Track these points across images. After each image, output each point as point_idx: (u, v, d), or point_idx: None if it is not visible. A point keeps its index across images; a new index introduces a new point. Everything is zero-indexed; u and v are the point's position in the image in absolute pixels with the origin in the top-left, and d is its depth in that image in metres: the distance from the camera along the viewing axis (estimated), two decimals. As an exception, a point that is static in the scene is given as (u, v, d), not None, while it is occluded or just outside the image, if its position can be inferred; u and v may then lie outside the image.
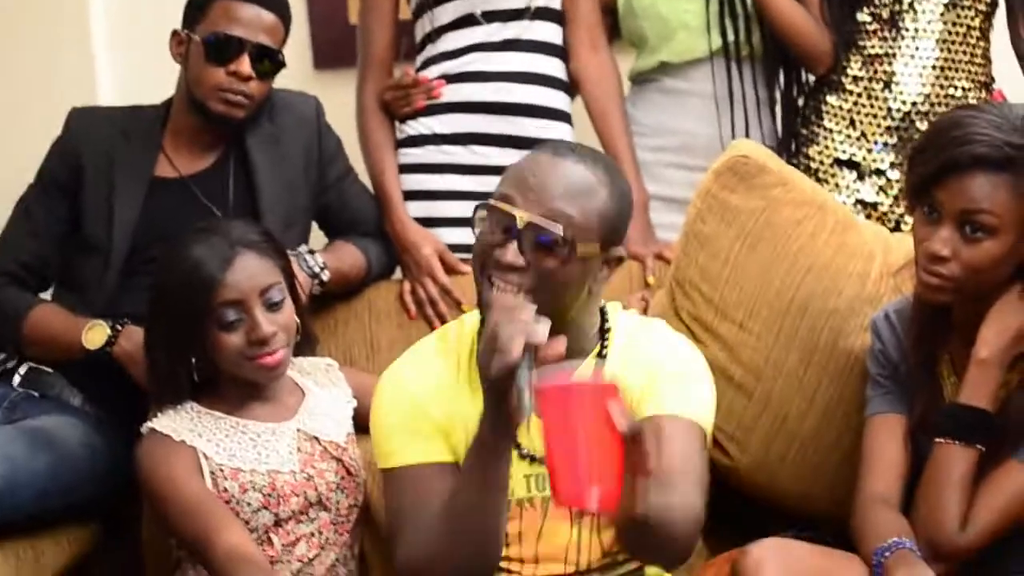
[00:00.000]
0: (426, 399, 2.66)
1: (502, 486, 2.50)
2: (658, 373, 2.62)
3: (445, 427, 2.65)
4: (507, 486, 2.52)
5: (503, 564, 2.66)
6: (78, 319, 3.20)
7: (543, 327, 2.31)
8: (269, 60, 3.29)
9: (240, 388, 2.93)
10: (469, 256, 3.37)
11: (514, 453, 2.57)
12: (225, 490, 2.83)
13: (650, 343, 2.69)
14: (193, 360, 2.90)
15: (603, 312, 2.70)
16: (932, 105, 3.51)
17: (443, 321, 3.37)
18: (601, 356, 2.65)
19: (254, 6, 3.29)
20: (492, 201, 2.53)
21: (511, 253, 2.50)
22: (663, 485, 2.33)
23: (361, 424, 2.99)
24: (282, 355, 2.89)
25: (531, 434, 2.58)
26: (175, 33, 3.34)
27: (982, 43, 3.56)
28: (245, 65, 3.25)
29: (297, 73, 3.91)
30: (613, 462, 2.13)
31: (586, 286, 2.57)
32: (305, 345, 3.04)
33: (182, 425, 2.89)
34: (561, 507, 2.25)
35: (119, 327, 3.16)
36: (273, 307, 2.88)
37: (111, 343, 3.15)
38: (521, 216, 2.49)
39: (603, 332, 2.68)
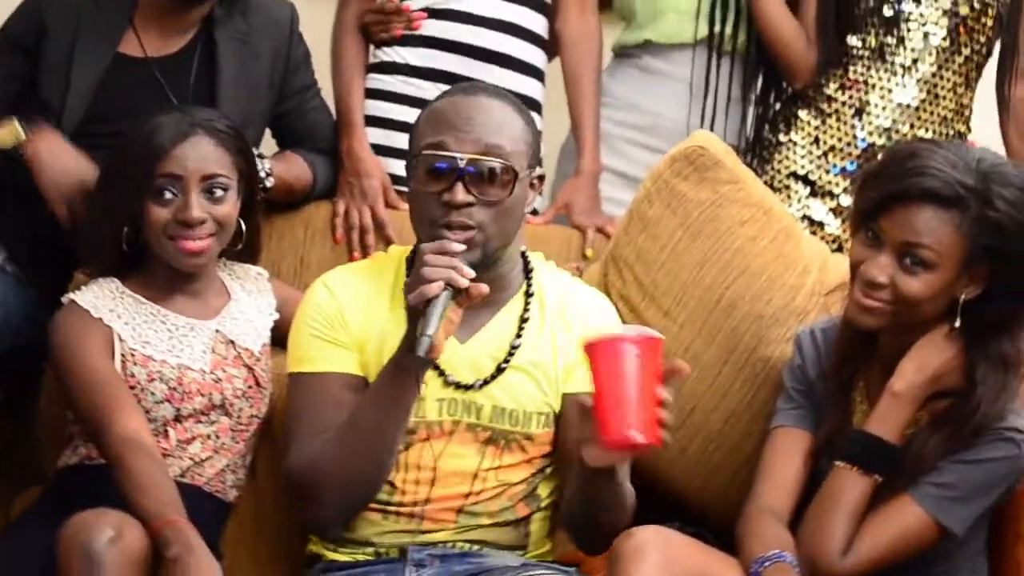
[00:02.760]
0: (349, 311, 2.77)
1: (406, 408, 2.64)
2: None
3: (360, 341, 2.76)
4: (410, 411, 2.65)
5: (398, 485, 2.74)
6: None
7: (467, 270, 2.54)
8: None
9: (167, 276, 2.92)
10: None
11: (436, 377, 2.72)
12: (132, 375, 2.83)
13: (584, 304, 2.87)
14: (125, 230, 2.89)
15: (523, 255, 2.85)
16: (900, 142, 3.49)
17: (366, 253, 3.35)
18: (528, 294, 2.82)
19: None
20: (427, 150, 2.68)
21: (460, 192, 2.65)
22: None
23: (278, 337, 2.99)
24: (205, 244, 2.88)
25: (453, 361, 2.73)
26: None
27: (967, 92, 3.57)
28: None
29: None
30: (653, 404, 2.41)
31: (524, 210, 2.77)
32: (246, 254, 3.05)
33: (103, 303, 2.88)
34: (608, 447, 2.43)
35: (32, 130, 3.09)
36: (213, 197, 2.88)
37: (22, 146, 3.08)
38: (462, 156, 2.65)
39: (527, 272, 2.84)
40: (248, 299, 3.02)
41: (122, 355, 2.84)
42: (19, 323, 3.15)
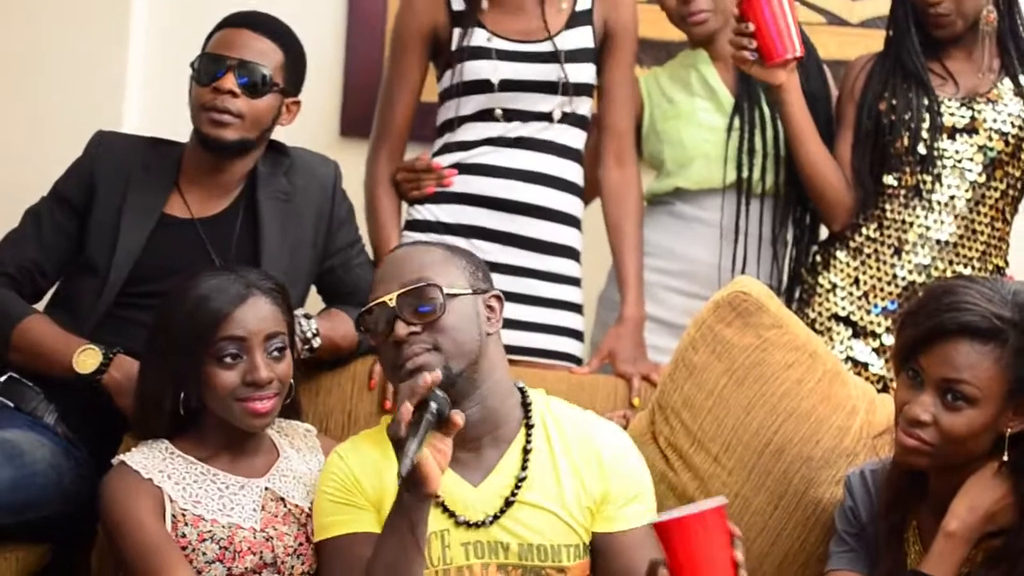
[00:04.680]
0: (360, 474, 2.81)
1: (416, 547, 2.63)
2: (618, 488, 2.81)
3: (376, 501, 2.78)
4: (421, 549, 2.64)
5: None
6: (71, 339, 3.20)
7: (431, 380, 2.58)
8: (256, 78, 3.30)
9: (220, 436, 2.93)
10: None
11: (450, 522, 2.77)
12: (183, 535, 2.83)
13: (601, 434, 2.88)
14: (182, 395, 2.91)
15: (522, 390, 2.90)
16: (939, 279, 3.50)
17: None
18: (528, 427, 2.85)
19: (245, 30, 3.33)
20: (364, 310, 2.82)
21: (401, 327, 2.76)
22: None
23: (328, 494, 3.00)
24: (272, 404, 2.90)
25: (467, 503, 2.77)
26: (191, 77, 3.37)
27: (1003, 226, 3.59)
28: (228, 81, 3.26)
29: (323, 137, 3.96)
30: (730, 571, 2.48)
31: (479, 328, 2.81)
32: (290, 409, 3.05)
33: (153, 464, 2.88)
34: None
35: (111, 355, 3.16)
36: (274, 356, 2.90)
37: (102, 370, 3.15)
38: (388, 297, 2.77)
39: (525, 407, 2.88)
40: (297, 456, 3.02)
41: (173, 515, 2.84)
42: (70, 485, 3.16)
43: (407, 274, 2.80)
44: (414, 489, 2.56)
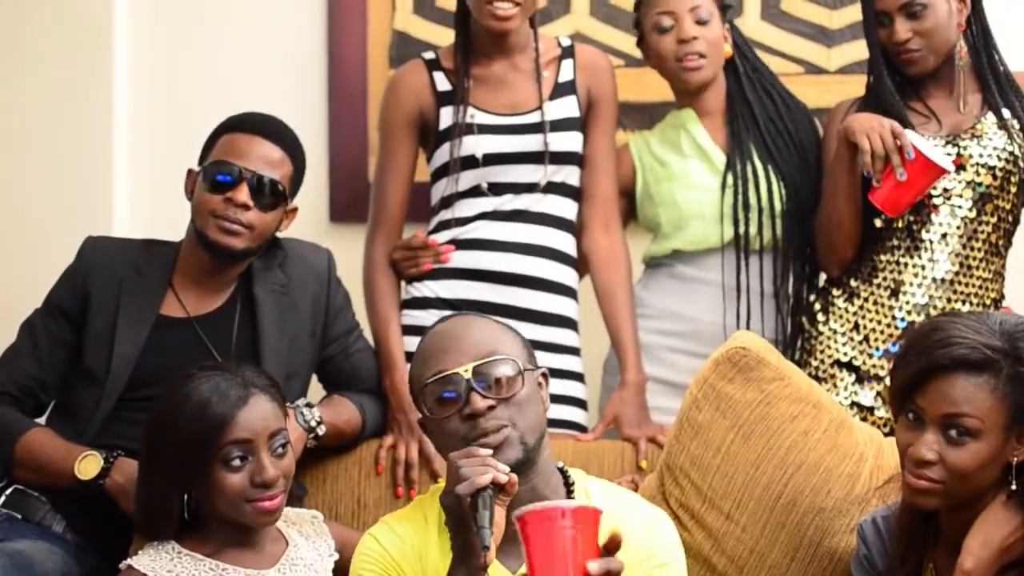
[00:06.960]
0: (399, 557, 2.73)
1: None
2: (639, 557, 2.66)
3: None
4: None
5: None
6: (72, 447, 3.20)
7: (501, 465, 2.53)
8: (269, 191, 3.29)
9: (226, 532, 2.91)
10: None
11: None
12: (196, 634, 2.82)
13: (635, 527, 2.72)
14: (185, 498, 2.89)
15: (562, 471, 2.81)
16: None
17: (410, 488, 3.38)
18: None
19: (258, 138, 3.32)
20: (430, 380, 2.70)
21: (478, 401, 2.67)
22: None
23: (342, 580, 2.99)
24: (281, 501, 2.88)
25: None
26: (189, 171, 3.36)
27: (997, 259, 3.57)
28: (241, 193, 3.25)
29: (313, 225, 3.96)
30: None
31: (542, 403, 2.76)
32: (291, 496, 3.03)
33: (160, 564, 2.87)
34: None
35: (112, 459, 3.15)
36: (278, 452, 2.88)
37: (104, 475, 3.15)
38: (464, 369, 2.68)
39: (567, 485, 2.79)
40: (306, 543, 3.01)
41: (185, 615, 2.83)
42: (83, 593, 3.16)
43: (477, 346, 2.72)
44: (468, 561, 2.51)
